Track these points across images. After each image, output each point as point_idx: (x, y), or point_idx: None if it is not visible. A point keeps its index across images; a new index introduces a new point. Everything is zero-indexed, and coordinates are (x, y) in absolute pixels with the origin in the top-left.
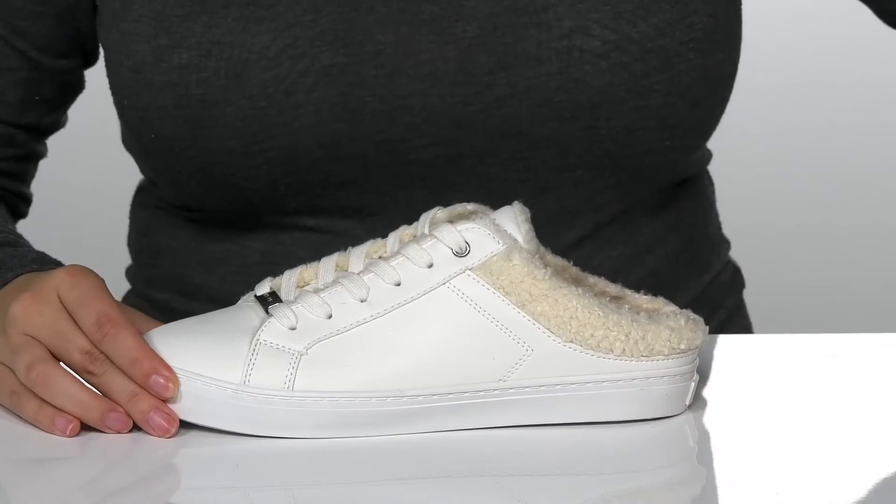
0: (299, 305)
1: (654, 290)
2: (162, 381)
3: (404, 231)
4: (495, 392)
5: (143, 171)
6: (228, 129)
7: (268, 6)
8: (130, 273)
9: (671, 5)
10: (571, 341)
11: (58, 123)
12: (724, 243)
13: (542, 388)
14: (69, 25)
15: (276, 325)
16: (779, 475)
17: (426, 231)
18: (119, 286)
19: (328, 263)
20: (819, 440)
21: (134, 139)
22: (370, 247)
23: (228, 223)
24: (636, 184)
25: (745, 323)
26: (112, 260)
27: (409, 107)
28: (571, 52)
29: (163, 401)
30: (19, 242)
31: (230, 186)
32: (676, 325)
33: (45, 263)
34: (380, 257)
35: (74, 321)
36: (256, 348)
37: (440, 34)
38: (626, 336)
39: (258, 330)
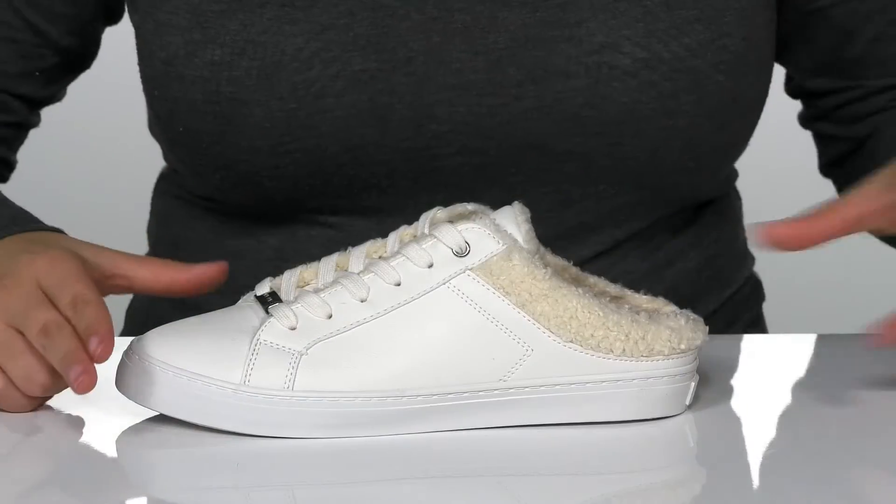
0: (299, 305)
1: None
2: (96, 340)
3: (404, 231)
4: (495, 392)
5: (166, 158)
6: (256, 129)
7: (304, 7)
8: None
9: (705, 26)
10: (571, 341)
11: (54, 97)
12: (749, 258)
13: (542, 388)
14: (87, 5)
15: (276, 325)
16: (778, 476)
17: (426, 231)
18: None
19: (328, 263)
20: (819, 440)
21: (161, 129)
22: (370, 247)
23: (247, 215)
24: (658, 202)
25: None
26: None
27: (436, 115)
28: (601, 68)
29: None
30: None
31: (254, 184)
32: (676, 324)
33: (26, 222)
34: (380, 257)
35: (48, 299)
36: (256, 348)
37: (471, 44)
38: (626, 336)
39: (258, 330)
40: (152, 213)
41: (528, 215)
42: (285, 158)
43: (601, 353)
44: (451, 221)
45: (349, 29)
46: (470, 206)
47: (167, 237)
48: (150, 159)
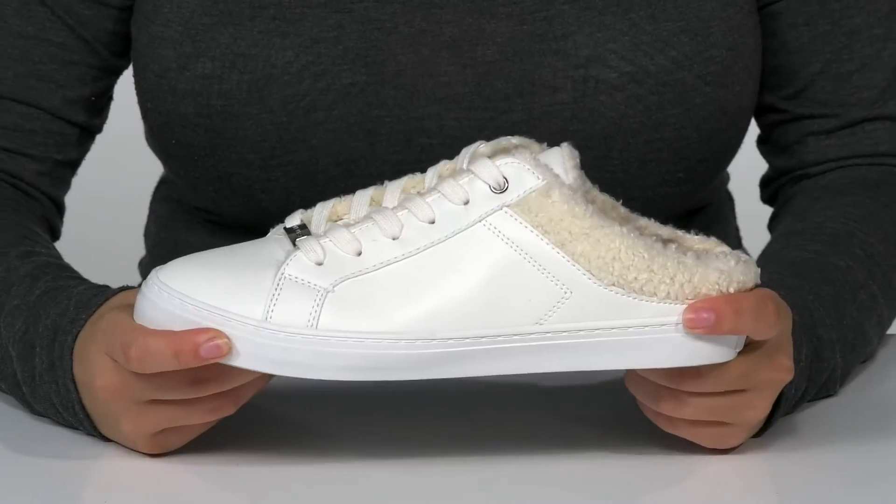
0: (328, 240)
1: None
2: (209, 344)
3: (444, 165)
4: (532, 336)
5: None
6: (248, 143)
7: (293, 21)
8: (144, 265)
9: (690, 38)
10: (613, 284)
11: (100, 129)
12: None
13: (581, 332)
14: (126, 23)
15: (303, 259)
16: (779, 476)
17: (465, 166)
18: (130, 278)
19: (363, 197)
20: (819, 440)
21: (155, 142)
22: (408, 181)
23: (244, 225)
24: (648, 212)
25: None
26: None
27: (425, 129)
28: (587, 81)
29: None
30: (60, 286)
31: (247, 196)
32: (726, 266)
33: (87, 308)
34: (417, 192)
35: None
36: (280, 283)
37: (460, 57)
38: (672, 279)
39: (283, 263)
40: (151, 216)
41: (577, 160)
42: (277, 171)
43: (644, 296)
44: (491, 157)
45: (338, 42)
46: (514, 140)
47: (167, 241)
48: (150, 163)
